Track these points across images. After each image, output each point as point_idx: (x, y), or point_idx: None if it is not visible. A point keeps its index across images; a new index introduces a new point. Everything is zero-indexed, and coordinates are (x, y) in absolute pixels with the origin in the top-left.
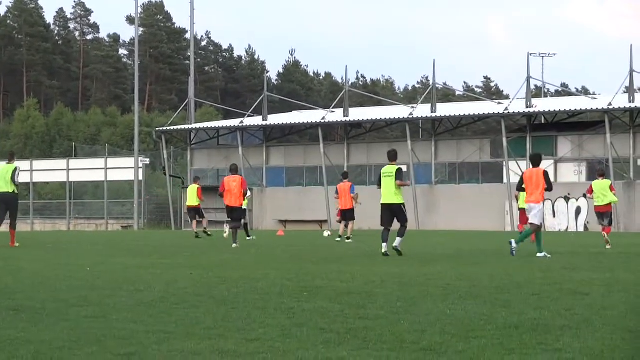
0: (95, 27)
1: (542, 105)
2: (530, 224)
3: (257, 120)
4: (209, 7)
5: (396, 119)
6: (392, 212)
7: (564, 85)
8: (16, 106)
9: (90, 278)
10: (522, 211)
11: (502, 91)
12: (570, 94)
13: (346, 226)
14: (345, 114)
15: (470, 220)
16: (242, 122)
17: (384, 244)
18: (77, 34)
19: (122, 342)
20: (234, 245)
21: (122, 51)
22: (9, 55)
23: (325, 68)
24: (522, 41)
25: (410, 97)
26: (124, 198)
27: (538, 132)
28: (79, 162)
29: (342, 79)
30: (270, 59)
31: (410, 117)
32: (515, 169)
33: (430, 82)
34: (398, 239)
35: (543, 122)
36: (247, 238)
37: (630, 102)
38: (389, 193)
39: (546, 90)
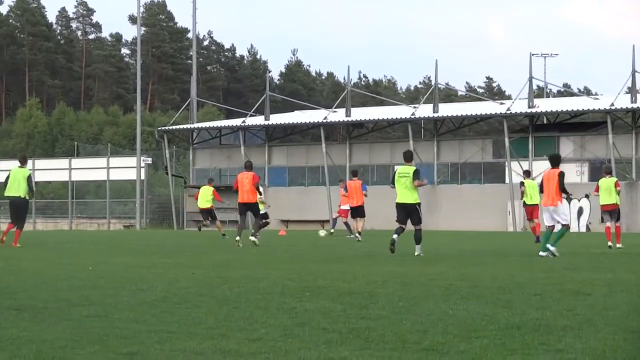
0: (97, 27)
1: (544, 105)
2: (563, 225)
3: (259, 120)
4: (211, 6)
5: (398, 119)
6: (407, 212)
7: (566, 85)
8: (18, 105)
9: (92, 277)
10: (527, 208)
11: (504, 91)
12: (572, 94)
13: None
14: (348, 114)
15: (472, 221)
16: (244, 121)
17: (395, 235)
18: (79, 33)
19: (124, 342)
20: (251, 238)
21: (125, 50)
22: (11, 54)
23: (328, 68)
24: (524, 41)
25: (412, 97)
26: (126, 197)
27: (540, 133)
28: (81, 161)
29: (344, 78)
30: (272, 59)
31: (413, 117)
32: (517, 169)
33: (433, 82)
34: (418, 247)
35: (545, 122)
36: (251, 238)
37: (632, 102)
38: (405, 193)
39: (548, 91)
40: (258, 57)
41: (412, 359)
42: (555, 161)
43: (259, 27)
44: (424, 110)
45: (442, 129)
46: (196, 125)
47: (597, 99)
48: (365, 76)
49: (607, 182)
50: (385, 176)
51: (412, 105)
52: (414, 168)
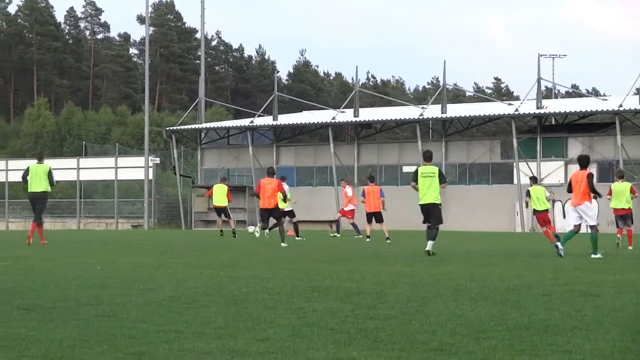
0: (105, 27)
1: (552, 106)
2: (591, 227)
3: (267, 120)
4: (220, 6)
5: (406, 119)
6: (429, 211)
7: (574, 86)
8: (26, 105)
9: (101, 277)
10: (538, 215)
11: (513, 92)
12: (580, 95)
13: (354, 226)
14: (356, 114)
15: (480, 221)
16: (252, 121)
17: (430, 242)
18: (87, 33)
19: (132, 341)
20: (283, 244)
21: (133, 50)
22: (19, 54)
23: (336, 68)
24: (532, 42)
25: (420, 97)
26: (134, 197)
27: (548, 133)
28: (89, 161)
29: (352, 79)
30: (280, 59)
31: (421, 117)
32: (525, 170)
33: (441, 83)
34: (430, 243)
35: (553, 123)
36: (296, 238)
37: None
38: (431, 194)
39: (556, 92)
40: (266, 57)
41: (420, 359)
42: (585, 162)
43: (267, 27)
44: (432, 111)
45: (450, 130)
46: (204, 125)
47: (605, 100)
48: (373, 76)
49: (620, 187)
50: (394, 176)
51: (420, 106)
52: (437, 168)
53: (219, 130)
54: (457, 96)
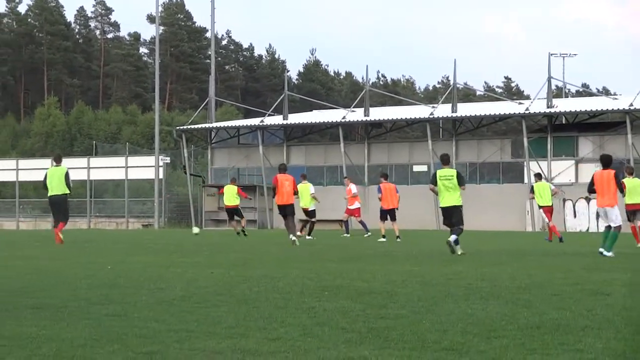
0: (115, 26)
1: (562, 105)
2: (614, 228)
3: (277, 120)
4: (230, 6)
5: (417, 118)
6: (452, 213)
7: (584, 85)
8: (37, 104)
9: (112, 276)
10: (543, 208)
11: (523, 91)
12: (591, 94)
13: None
14: (366, 114)
15: (490, 220)
16: (262, 121)
17: (457, 247)
18: (97, 32)
19: (143, 341)
20: (307, 237)
21: (143, 50)
22: (29, 53)
23: (346, 67)
24: (542, 41)
25: (430, 97)
26: (144, 197)
27: (559, 133)
28: (99, 160)
29: (362, 78)
30: (290, 58)
31: (431, 117)
32: (536, 169)
33: (451, 82)
34: (453, 236)
35: (564, 122)
36: (307, 237)
37: None
38: (451, 197)
39: (567, 91)
40: (276, 56)
41: (431, 359)
42: (608, 162)
43: (277, 26)
44: (443, 110)
45: (461, 129)
46: (214, 124)
47: (616, 99)
48: (383, 76)
49: (631, 182)
50: (404, 176)
51: (431, 105)
52: (455, 171)
53: (229, 129)
54: (468, 95)
